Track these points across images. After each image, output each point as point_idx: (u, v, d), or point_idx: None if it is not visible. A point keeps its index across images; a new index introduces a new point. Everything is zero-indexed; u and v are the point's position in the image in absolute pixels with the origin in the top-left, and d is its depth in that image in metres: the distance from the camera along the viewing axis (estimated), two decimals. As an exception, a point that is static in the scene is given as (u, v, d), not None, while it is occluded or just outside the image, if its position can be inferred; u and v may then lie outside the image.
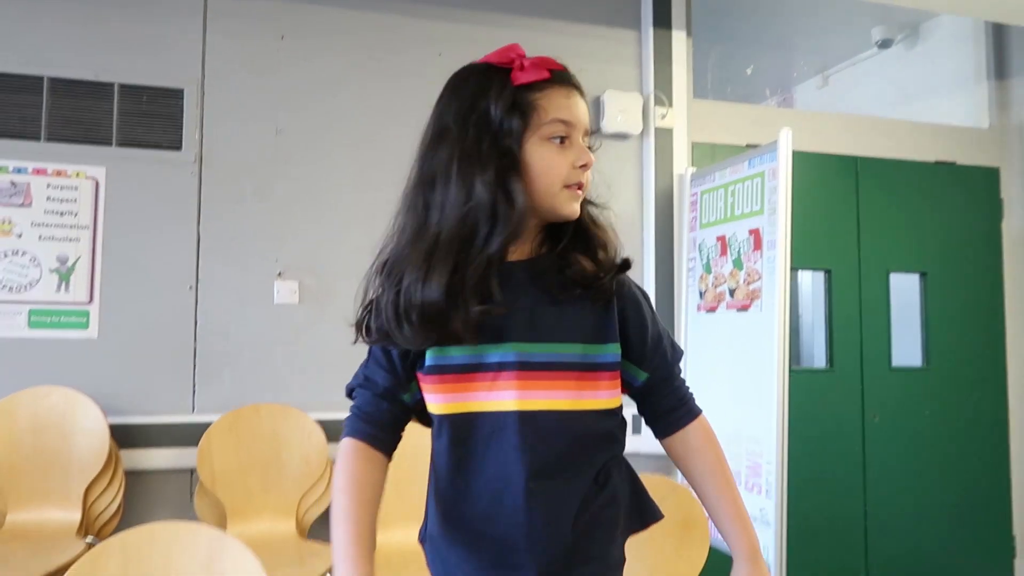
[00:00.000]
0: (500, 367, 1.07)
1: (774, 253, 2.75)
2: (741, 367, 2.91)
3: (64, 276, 2.61)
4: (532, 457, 1.07)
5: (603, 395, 1.12)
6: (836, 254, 3.68)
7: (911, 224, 3.80)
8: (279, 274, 2.84)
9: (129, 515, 2.53)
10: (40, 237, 2.60)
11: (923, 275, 3.83)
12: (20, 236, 2.58)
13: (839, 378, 3.64)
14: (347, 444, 1.16)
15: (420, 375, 1.13)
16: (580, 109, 1.08)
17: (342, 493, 1.11)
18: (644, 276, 3.34)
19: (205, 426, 2.63)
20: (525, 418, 1.07)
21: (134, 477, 2.59)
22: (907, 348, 3.81)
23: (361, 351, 3.20)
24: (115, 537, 1.57)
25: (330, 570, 2.37)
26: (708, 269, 3.15)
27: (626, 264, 1.14)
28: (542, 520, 1.07)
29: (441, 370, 1.09)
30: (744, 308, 2.91)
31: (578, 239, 1.11)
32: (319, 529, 2.73)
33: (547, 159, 1.05)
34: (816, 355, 3.76)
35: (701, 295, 3.18)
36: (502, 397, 1.08)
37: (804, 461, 3.39)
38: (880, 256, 3.74)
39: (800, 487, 3.27)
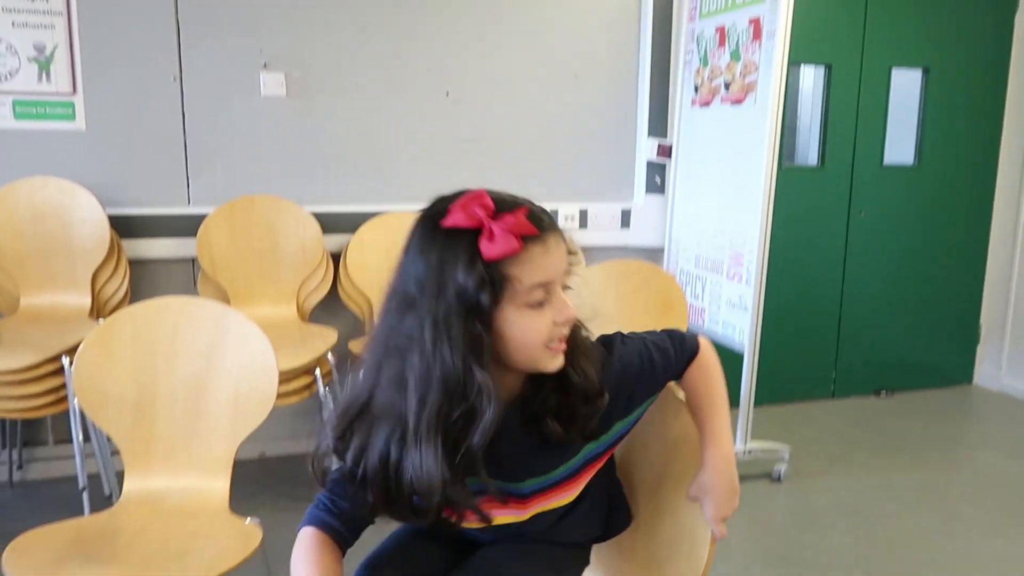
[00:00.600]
0: (507, 495, 1.09)
1: (772, 44, 2.67)
2: (732, 161, 2.92)
3: (44, 65, 2.55)
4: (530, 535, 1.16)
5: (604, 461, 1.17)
6: (838, 48, 3.57)
7: (919, 16, 3.65)
8: (264, 65, 2.77)
9: (136, 301, 2.65)
10: (13, 24, 2.51)
11: (925, 70, 3.74)
12: (-8, 22, 2.49)
13: (829, 176, 3.67)
14: (306, 533, 1.08)
15: None
16: (557, 259, 0.97)
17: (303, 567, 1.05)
18: (640, 70, 3.26)
19: (202, 217, 2.69)
20: (530, 521, 1.13)
21: (138, 266, 2.69)
22: (901, 146, 3.80)
23: (349, 149, 3.13)
24: (125, 309, 1.68)
25: (331, 348, 2.54)
26: (704, 62, 3.07)
27: (603, 395, 1.05)
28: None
29: None
30: (738, 102, 2.87)
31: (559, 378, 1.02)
32: (319, 314, 2.88)
33: (525, 325, 0.96)
34: (812, 153, 3.76)
35: (696, 89, 3.13)
36: (510, 515, 1.11)
37: (787, 255, 3.50)
38: (883, 50, 3.63)
39: (781, 279, 3.40)
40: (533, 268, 0.95)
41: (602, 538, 1.26)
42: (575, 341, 1.03)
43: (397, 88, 2.94)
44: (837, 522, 2.63)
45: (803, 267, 3.68)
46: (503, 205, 0.96)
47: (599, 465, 1.15)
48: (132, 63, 2.65)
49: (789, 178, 3.45)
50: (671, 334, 1.17)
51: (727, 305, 2.96)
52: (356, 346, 2.68)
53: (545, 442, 1.04)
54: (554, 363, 1.00)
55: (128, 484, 1.65)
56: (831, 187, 3.68)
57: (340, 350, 2.71)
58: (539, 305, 0.97)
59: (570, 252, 1.00)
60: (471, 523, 1.06)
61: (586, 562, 1.25)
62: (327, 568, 1.03)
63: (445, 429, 0.94)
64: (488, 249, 0.92)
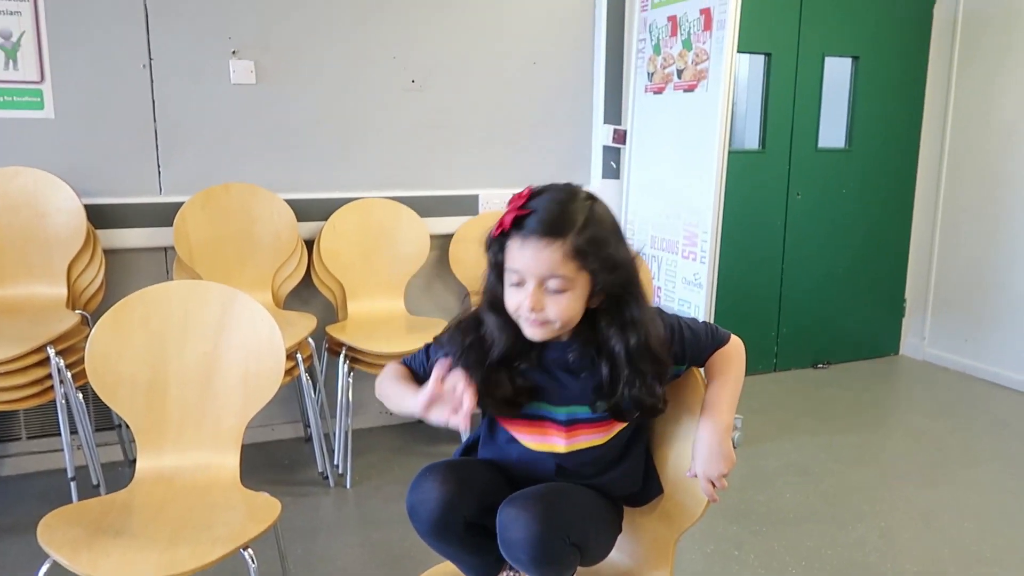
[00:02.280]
0: (545, 419, 1.27)
1: (723, 34, 2.84)
2: (685, 147, 3.09)
3: (10, 53, 2.51)
4: (568, 474, 1.30)
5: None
6: (777, 38, 3.79)
7: (849, 7, 3.90)
8: (233, 52, 2.79)
9: (112, 291, 2.65)
10: (-24, 11, 2.47)
11: (855, 59, 4.00)
12: (-45, 9, 2.44)
13: (770, 158, 3.89)
14: (391, 365, 1.40)
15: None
16: (528, 258, 1.15)
17: (392, 381, 1.34)
18: (595, 58, 3.40)
19: (175, 206, 2.70)
20: (567, 456, 1.28)
21: (112, 255, 2.68)
22: (833, 130, 4.06)
23: (319, 137, 3.14)
24: (135, 294, 1.71)
25: (311, 333, 2.59)
26: (657, 50, 3.23)
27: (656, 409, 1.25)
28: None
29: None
30: (691, 89, 3.04)
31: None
32: (293, 301, 2.93)
33: (507, 294, 1.20)
34: (748, 138, 3.97)
35: (650, 76, 3.29)
36: (553, 442, 1.28)
37: (732, 236, 3.70)
38: (817, 40, 3.87)
39: (726, 259, 3.59)
40: (512, 255, 1.17)
41: (638, 501, 1.39)
42: (642, 329, 1.20)
43: (365, 76, 3.00)
44: (787, 481, 2.85)
45: (746, 247, 3.90)
46: (533, 198, 1.17)
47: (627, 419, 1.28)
48: (100, 50, 2.63)
49: (733, 161, 3.64)
50: (708, 324, 1.33)
51: (682, 283, 3.14)
52: (333, 331, 2.74)
53: (585, 380, 1.22)
54: (529, 333, 1.19)
55: (141, 463, 1.70)
56: (771, 169, 3.91)
57: (316, 336, 2.77)
58: (515, 285, 1.18)
59: (584, 267, 1.16)
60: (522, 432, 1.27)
61: (619, 528, 1.37)
62: (405, 375, 1.35)
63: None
64: (495, 231, 1.19)
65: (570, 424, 1.26)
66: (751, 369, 3.99)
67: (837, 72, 3.99)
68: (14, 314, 2.38)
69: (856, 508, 2.65)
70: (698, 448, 1.27)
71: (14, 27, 2.51)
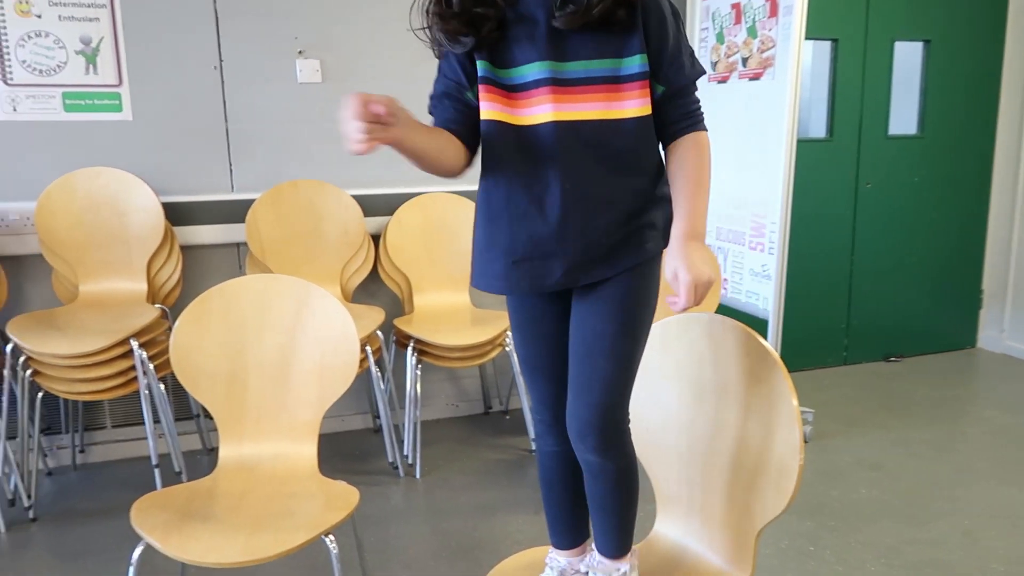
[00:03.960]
0: (537, 84, 1.21)
1: (790, 20, 2.78)
2: (750, 136, 3.03)
3: (90, 58, 2.61)
4: (568, 162, 1.21)
5: (633, 104, 1.22)
6: (844, 23, 3.68)
7: (921, -11, 3.77)
8: (300, 52, 2.84)
9: (188, 286, 2.74)
10: (60, 17, 2.56)
11: (927, 43, 3.86)
12: (40, 16, 2.54)
13: (837, 147, 3.79)
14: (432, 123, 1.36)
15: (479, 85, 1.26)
16: None
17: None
18: (656, 49, 3.35)
19: (246, 203, 2.77)
20: (561, 128, 1.20)
21: (188, 251, 2.77)
22: (904, 117, 3.93)
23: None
24: (214, 288, 1.76)
25: (380, 326, 2.61)
26: (721, 39, 3.18)
27: None
28: (576, 223, 1.23)
29: (488, 81, 1.24)
30: (756, 77, 2.98)
31: None
32: (360, 294, 2.97)
33: None
34: (813, 126, 3.87)
35: (713, 66, 3.23)
36: (540, 111, 1.21)
37: (799, 226, 3.62)
38: (886, 24, 3.75)
39: (794, 250, 3.52)
40: None
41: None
42: None
43: (426, 72, 3.01)
44: (861, 476, 2.77)
45: (814, 238, 3.80)
46: None
47: (635, 89, 1.22)
48: (174, 53, 2.71)
49: (799, 150, 3.55)
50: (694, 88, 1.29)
51: (750, 274, 3.09)
52: (401, 324, 2.78)
53: (590, 31, 1.17)
54: None
55: (223, 451, 1.75)
56: (839, 158, 3.80)
57: (384, 328, 2.81)
58: None
59: None
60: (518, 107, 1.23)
61: (652, 318, 1.32)
62: (441, 131, 1.31)
63: None
64: None
65: (578, 85, 1.20)
66: (820, 362, 3.95)
67: (907, 56, 3.86)
68: (98, 309, 2.48)
69: (935, 506, 2.56)
70: (680, 254, 1.20)
71: (93, 33, 2.61)
